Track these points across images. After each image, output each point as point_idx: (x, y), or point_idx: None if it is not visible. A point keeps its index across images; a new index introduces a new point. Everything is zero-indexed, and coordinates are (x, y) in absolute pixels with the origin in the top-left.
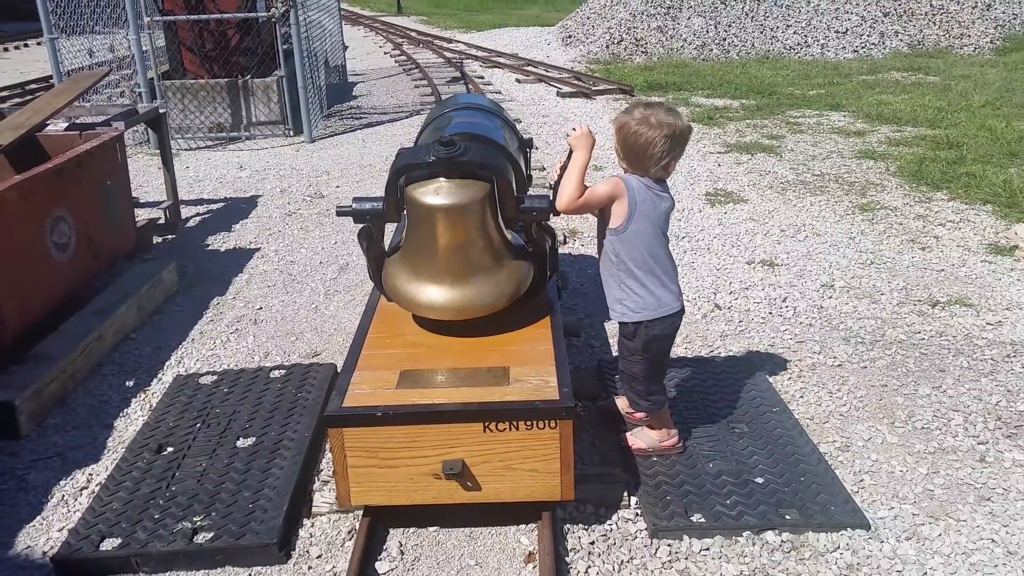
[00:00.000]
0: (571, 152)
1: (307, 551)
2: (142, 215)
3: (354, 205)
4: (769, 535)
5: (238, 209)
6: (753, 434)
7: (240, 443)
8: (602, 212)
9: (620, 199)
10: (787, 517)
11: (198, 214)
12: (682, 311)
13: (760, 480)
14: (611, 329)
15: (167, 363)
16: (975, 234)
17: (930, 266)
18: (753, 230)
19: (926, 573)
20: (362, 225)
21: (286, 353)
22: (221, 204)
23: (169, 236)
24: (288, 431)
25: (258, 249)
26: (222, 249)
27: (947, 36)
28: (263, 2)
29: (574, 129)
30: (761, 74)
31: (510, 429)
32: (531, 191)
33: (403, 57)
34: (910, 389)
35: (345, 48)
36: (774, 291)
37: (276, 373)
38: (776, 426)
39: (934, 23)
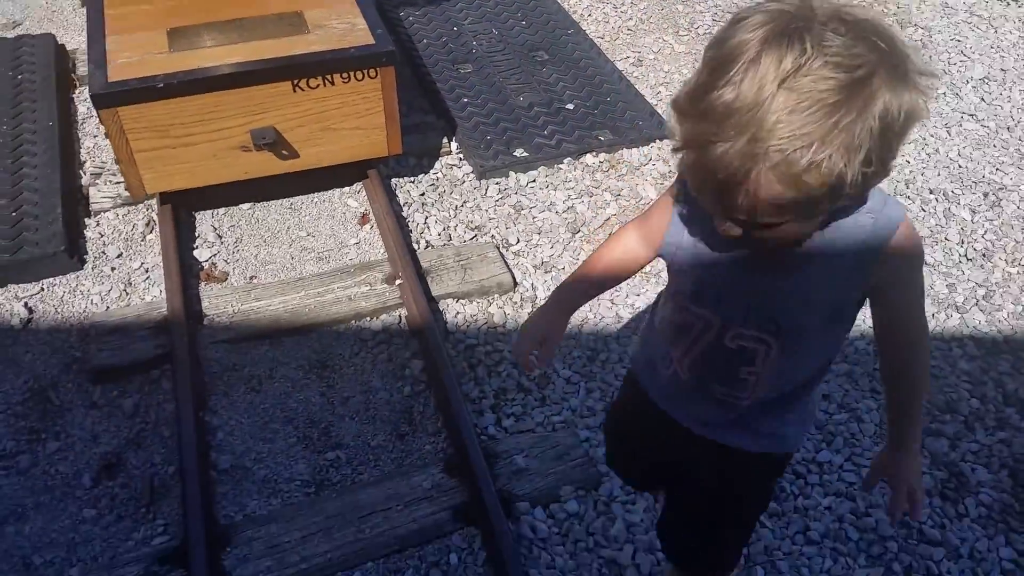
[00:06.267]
0: None
1: (103, 252)
2: None
3: None
4: (588, 158)
5: None
6: (555, 61)
7: None
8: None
9: None
10: (601, 138)
11: None
12: None
13: (571, 106)
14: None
15: None
16: None
17: None
18: None
19: None
20: None
21: None
22: None
23: None
24: (25, 123)
25: None
26: None
27: None
28: None
29: None
30: None
31: (324, 84)
32: None
33: None
34: None
35: None
36: None
37: None
38: (575, 49)
39: None
